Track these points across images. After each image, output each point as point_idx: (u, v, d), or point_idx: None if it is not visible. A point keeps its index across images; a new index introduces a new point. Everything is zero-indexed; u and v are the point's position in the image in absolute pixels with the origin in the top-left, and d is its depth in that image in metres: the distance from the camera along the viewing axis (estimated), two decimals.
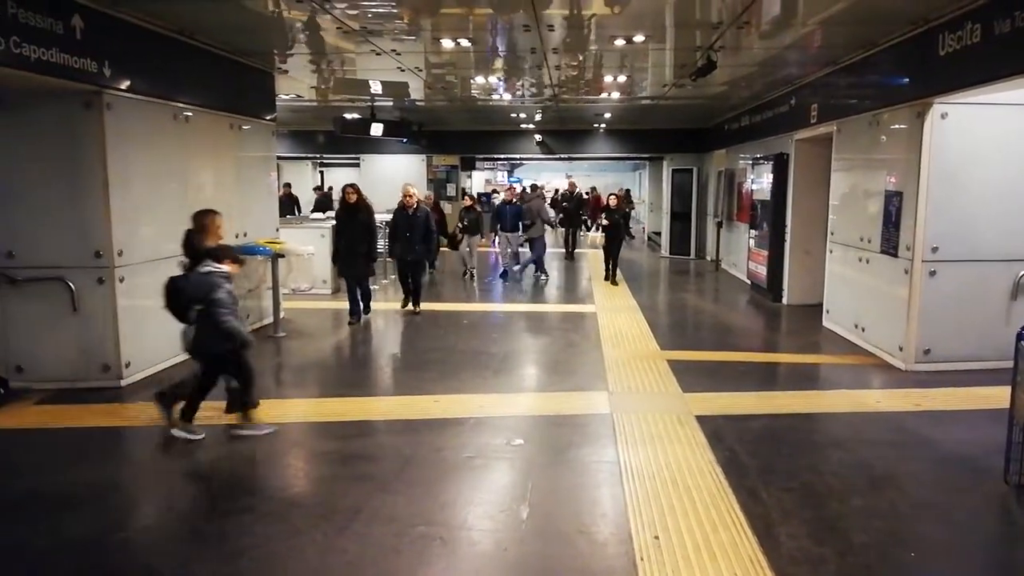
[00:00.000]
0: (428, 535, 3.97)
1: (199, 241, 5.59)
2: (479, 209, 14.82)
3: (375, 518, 4.17)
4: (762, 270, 11.86)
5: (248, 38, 8.19)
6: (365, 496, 4.46)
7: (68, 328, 6.43)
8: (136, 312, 6.75)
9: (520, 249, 14.19)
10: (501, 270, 14.19)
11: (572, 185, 19.07)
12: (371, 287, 10.10)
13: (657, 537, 3.92)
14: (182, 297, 5.24)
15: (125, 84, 6.59)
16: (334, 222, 10.39)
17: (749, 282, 12.84)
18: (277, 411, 6.15)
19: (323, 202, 18.81)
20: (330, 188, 21.25)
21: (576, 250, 18.02)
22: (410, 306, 10.29)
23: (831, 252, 9.48)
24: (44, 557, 3.81)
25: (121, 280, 6.57)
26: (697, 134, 17.78)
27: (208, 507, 4.41)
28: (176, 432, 5.38)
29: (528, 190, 19.03)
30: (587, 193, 29.85)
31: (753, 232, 12.55)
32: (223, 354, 5.35)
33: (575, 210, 18.22)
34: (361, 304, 9.72)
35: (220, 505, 4.41)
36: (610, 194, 14.81)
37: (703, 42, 8.34)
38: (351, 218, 9.38)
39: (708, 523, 4.07)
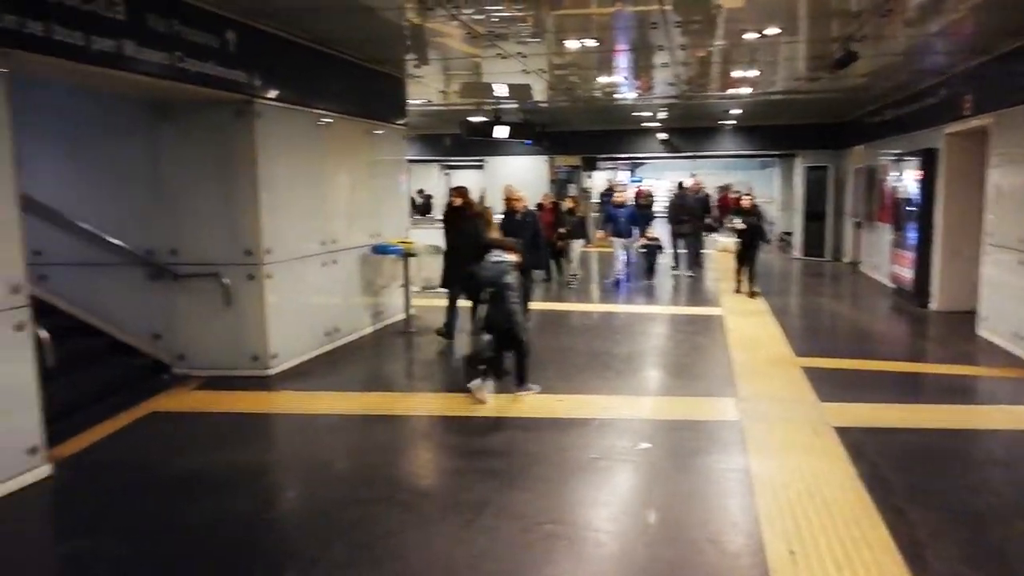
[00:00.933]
0: (555, 533, 4.00)
1: (485, 232, 7.04)
2: (580, 213, 13.99)
3: (502, 513, 4.24)
4: (907, 273, 11.08)
5: (381, 47, 8.54)
6: (492, 491, 4.54)
7: (222, 320, 6.95)
8: (282, 306, 7.21)
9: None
10: (614, 279, 13.02)
11: (697, 184, 17.66)
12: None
13: (793, 552, 3.75)
14: (478, 282, 6.20)
15: (272, 93, 7.06)
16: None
17: (892, 286, 12.03)
18: (407, 404, 6.39)
19: (424, 206, 19.29)
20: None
21: (701, 256, 15.87)
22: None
23: (987, 255, 8.72)
24: (201, 531, 4.13)
25: (269, 276, 7.03)
26: (833, 129, 16.83)
27: (347, 493, 4.63)
28: (481, 394, 6.16)
29: (676, 188, 17.46)
30: (721, 192, 28.89)
31: (896, 233, 11.75)
32: (510, 328, 6.12)
33: (701, 213, 16.32)
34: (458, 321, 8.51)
35: (356, 492, 4.63)
36: (743, 194, 13.45)
37: (841, 32, 7.89)
38: (453, 224, 8.62)
39: (849, 540, 3.86)
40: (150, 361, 6.87)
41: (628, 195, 14.91)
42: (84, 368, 6.19)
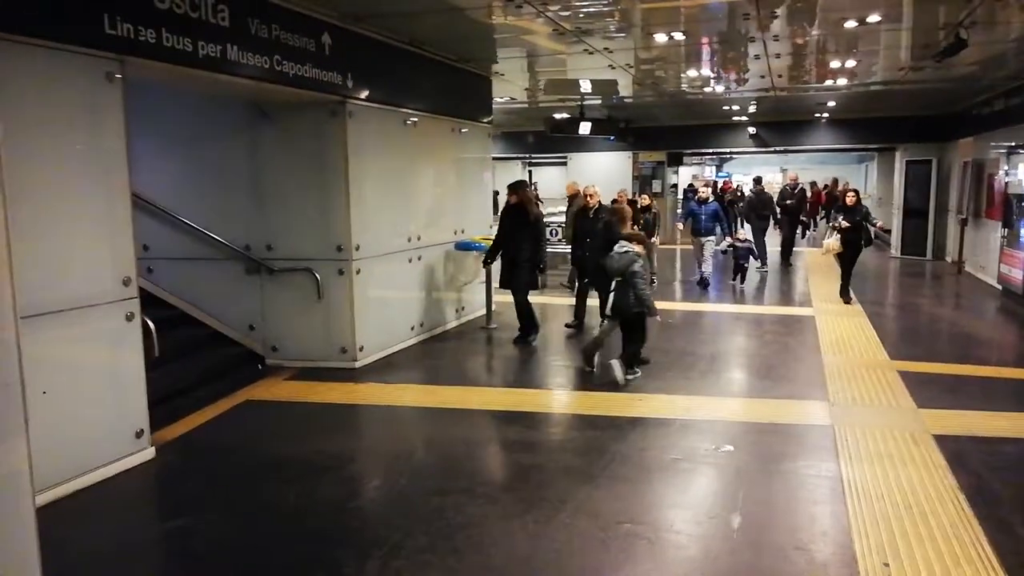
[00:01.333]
0: (634, 533, 3.96)
1: (619, 227, 7.38)
2: (655, 209, 12.96)
3: (581, 511, 4.23)
4: (1017, 274, 10.37)
5: (468, 45, 8.66)
6: (571, 488, 4.54)
7: (313, 314, 7.21)
8: (369, 301, 7.43)
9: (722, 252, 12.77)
10: (698, 276, 12.33)
11: (794, 179, 16.00)
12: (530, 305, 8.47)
13: (887, 564, 3.59)
14: (608, 272, 6.74)
15: (364, 93, 7.26)
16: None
17: (1000, 287, 11.29)
18: (488, 398, 6.46)
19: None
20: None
21: (793, 256, 15.32)
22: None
23: None
24: (294, 515, 4.32)
25: (358, 272, 7.24)
26: (937, 121, 15.90)
27: (429, 484, 4.73)
28: (617, 373, 6.58)
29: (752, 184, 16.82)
30: (825, 187, 27.73)
31: (1006, 231, 11.01)
32: (636, 314, 6.67)
33: (796, 209, 15.40)
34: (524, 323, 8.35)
35: (438, 483, 4.72)
36: (848, 189, 11.82)
37: (949, 19, 7.45)
38: (505, 223, 8.26)
39: (949, 555, 3.66)
40: (245, 351, 7.21)
41: (709, 191, 13.27)
42: (185, 357, 6.56)
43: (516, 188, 8.37)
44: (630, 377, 6.73)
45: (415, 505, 4.40)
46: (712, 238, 12.36)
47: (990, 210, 12.54)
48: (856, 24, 7.68)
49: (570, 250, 10.01)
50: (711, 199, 12.59)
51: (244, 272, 7.27)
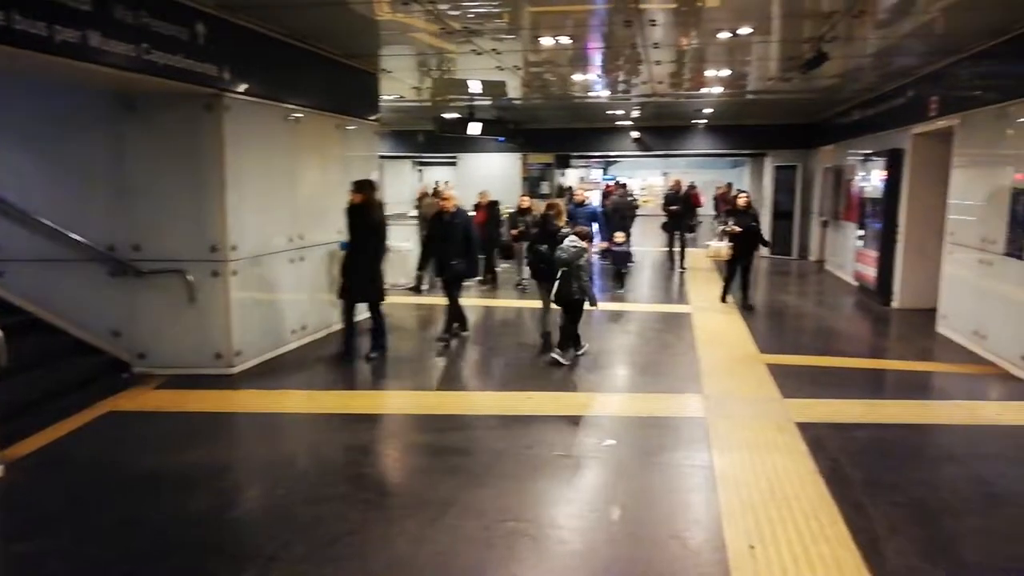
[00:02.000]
0: (518, 531, 4.00)
1: (556, 222, 7.90)
2: (535, 212, 11.56)
3: (466, 511, 4.23)
4: (871, 272, 11.26)
5: (354, 41, 8.47)
6: (457, 489, 4.53)
7: (185, 318, 6.85)
8: (247, 304, 7.13)
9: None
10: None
11: (677, 183, 15.45)
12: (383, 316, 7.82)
13: (753, 547, 3.80)
14: (557, 263, 7.28)
15: (242, 87, 6.96)
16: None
17: (856, 284, 12.23)
18: (373, 402, 6.36)
19: None
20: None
21: (685, 261, 14.65)
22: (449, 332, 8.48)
23: (949, 254, 8.89)
24: (163, 531, 4.07)
25: (234, 273, 6.94)
26: (802, 129, 17.06)
27: (309, 492, 4.59)
28: (556, 355, 7.43)
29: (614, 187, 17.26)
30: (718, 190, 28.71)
31: (861, 232, 11.94)
32: (578, 302, 7.30)
33: (682, 213, 14.80)
34: (365, 339, 7.70)
35: (319, 490, 4.59)
36: (738, 191, 11.49)
37: (813, 33, 7.98)
38: (353, 222, 7.45)
39: (808, 535, 3.91)
40: (109, 359, 6.73)
41: (590, 194, 13.29)
42: (40, 367, 6.04)
43: (361, 187, 7.42)
44: (579, 353, 7.63)
45: (294, 514, 4.26)
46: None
47: (847, 213, 13.56)
48: (729, 35, 8.09)
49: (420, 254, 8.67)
50: (588, 201, 12.11)
51: (108, 274, 6.80)
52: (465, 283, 8.75)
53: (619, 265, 12.16)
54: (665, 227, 14.99)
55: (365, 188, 7.42)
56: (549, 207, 8.32)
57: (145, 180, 6.80)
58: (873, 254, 11.17)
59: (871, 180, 11.62)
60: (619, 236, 12.06)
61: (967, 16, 7.10)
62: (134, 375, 6.78)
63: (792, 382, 6.74)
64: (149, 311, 6.89)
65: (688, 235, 15.08)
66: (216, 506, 4.37)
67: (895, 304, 10.60)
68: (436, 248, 8.21)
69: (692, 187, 26.91)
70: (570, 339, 7.56)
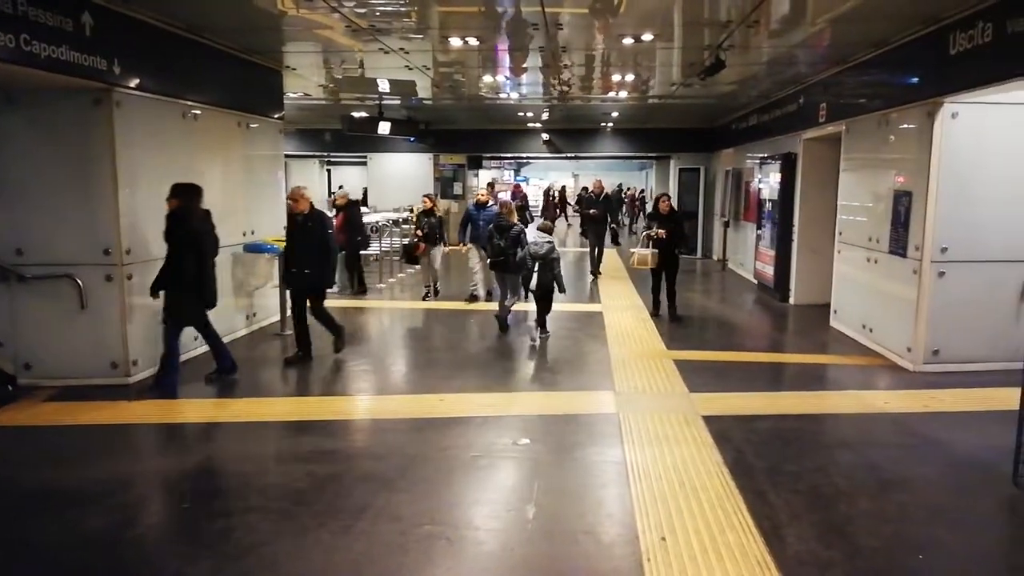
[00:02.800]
0: (434, 534, 3.97)
1: (509, 219, 8.91)
2: (439, 213, 11.57)
3: (381, 517, 4.17)
4: (769, 270, 11.82)
5: (256, 36, 8.21)
6: (371, 495, 4.46)
7: (77, 325, 6.45)
8: (144, 310, 6.77)
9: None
10: (470, 294, 11.05)
11: (599, 184, 14.71)
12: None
13: (664, 538, 3.91)
14: (533, 258, 8.41)
15: (134, 82, 6.61)
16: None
17: (756, 282, 12.79)
18: (283, 409, 6.16)
19: None
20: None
21: (602, 265, 14.13)
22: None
23: (839, 252, 9.44)
24: (55, 552, 3.82)
25: (129, 278, 6.58)
26: (705, 133, 17.73)
27: (216, 505, 4.41)
28: (534, 334, 8.69)
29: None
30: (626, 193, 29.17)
31: (760, 232, 12.51)
32: (549, 289, 8.48)
33: (603, 218, 13.94)
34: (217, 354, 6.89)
35: (226, 503, 4.42)
36: (661, 194, 10.48)
37: (712, 41, 8.31)
38: (169, 235, 6.37)
39: (715, 524, 4.06)
40: None
41: (487, 194, 11.65)
42: None
43: (176, 192, 6.38)
44: (544, 336, 8.67)
45: (200, 529, 4.08)
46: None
47: (747, 213, 14.18)
48: (633, 41, 8.31)
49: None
50: (491, 203, 10.96)
51: None
52: (329, 292, 7.95)
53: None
54: (584, 232, 14.28)
55: (181, 193, 6.36)
56: (502, 206, 9.41)
57: (28, 179, 6.38)
58: (771, 253, 11.73)
59: (768, 182, 12.19)
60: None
61: (851, 28, 7.57)
62: (19, 387, 6.33)
63: (698, 377, 6.99)
64: (35, 319, 6.46)
65: (606, 241, 14.21)
66: (114, 524, 4.12)
67: (792, 301, 11.16)
68: (293, 259, 7.47)
69: (620, 188, 26.77)
70: (543, 323, 8.73)
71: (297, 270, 7.39)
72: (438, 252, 11.25)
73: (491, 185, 16.70)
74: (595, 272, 13.88)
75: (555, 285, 8.49)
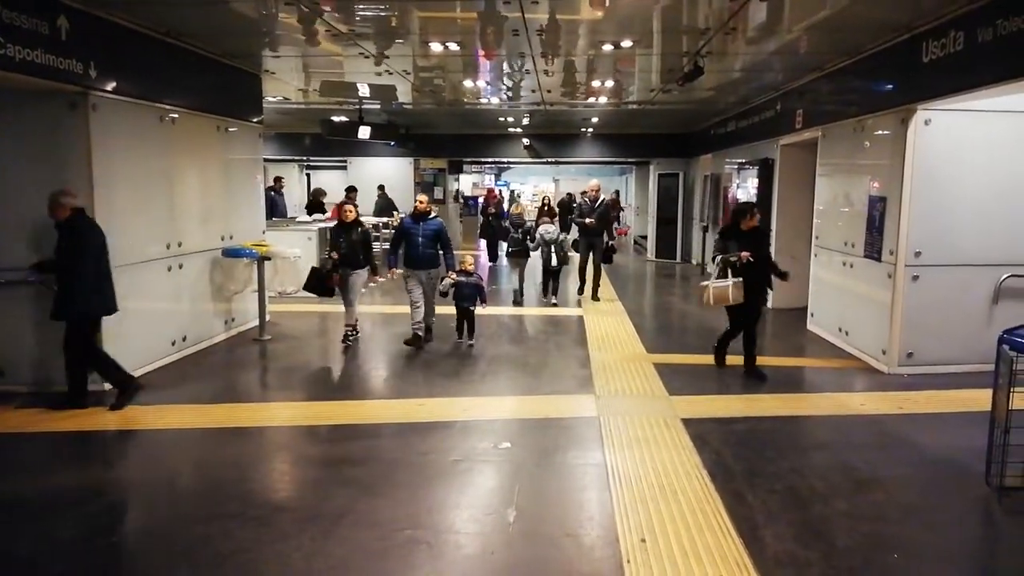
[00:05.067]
0: (414, 539, 3.96)
1: (523, 217, 11.42)
2: (365, 224, 8.76)
3: (361, 522, 4.15)
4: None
5: (235, 40, 8.16)
6: (351, 500, 4.44)
7: (50, 332, 6.32)
8: (121, 314, 6.68)
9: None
10: (411, 332, 8.29)
11: (596, 189, 11.68)
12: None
13: (644, 540, 3.93)
14: (550, 242, 11.00)
15: (111, 85, 6.55)
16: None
17: None
18: (262, 415, 6.12)
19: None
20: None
21: (598, 291, 11.70)
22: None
23: (815, 256, 9.56)
24: (28, 562, 3.76)
25: None
26: (683, 139, 17.87)
27: (192, 512, 4.37)
28: (553, 300, 11.28)
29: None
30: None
31: None
32: (561, 264, 11.19)
33: (599, 230, 11.39)
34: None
35: (204, 510, 4.37)
36: (744, 204, 8.26)
37: (690, 48, 8.39)
38: (59, 246, 5.96)
39: (695, 526, 4.09)
40: None
41: (427, 202, 8.66)
42: None
43: (53, 199, 5.89)
44: (555, 301, 11.18)
45: (177, 536, 4.04)
46: (433, 271, 8.43)
47: (725, 218, 14.28)
48: (612, 47, 8.37)
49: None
50: (433, 213, 8.63)
51: None
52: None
53: (466, 303, 8.49)
54: (575, 246, 11.75)
55: (50, 201, 5.89)
56: (515, 209, 12.05)
57: (2, 183, 6.28)
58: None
59: (746, 187, 12.31)
60: (467, 262, 8.58)
61: (826, 36, 7.68)
62: None
63: (677, 380, 7.04)
64: (8, 325, 6.37)
65: (602, 258, 11.61)
66: (89, 532, 4.07)
67: (769, 304, 11.24)
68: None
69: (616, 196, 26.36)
70: (556, 290, 11.45)
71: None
72: (358, 281, 8.42)
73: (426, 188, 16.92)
74: (582, 290, 11.87)
75: (565, 261, 11.21)
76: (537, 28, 7.53)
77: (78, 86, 6.18)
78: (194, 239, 8.01)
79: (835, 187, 9.04)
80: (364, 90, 11.99)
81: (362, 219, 8.86)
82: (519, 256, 11.35)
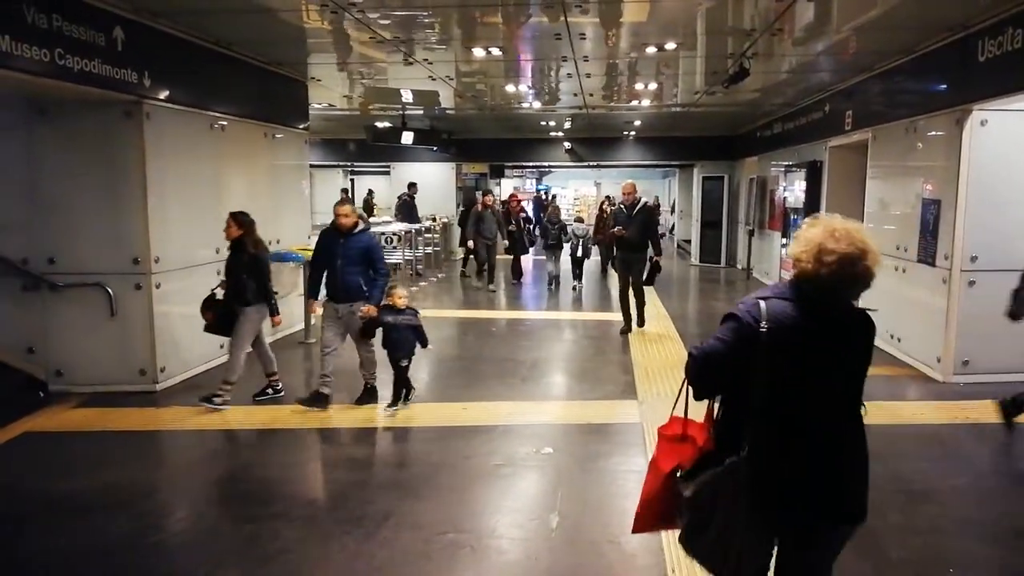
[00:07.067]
0: (457, 542, 3.97)
1: (558, 215, 13.70)
2: (252, 249, 6.34)
3: (404, 524, 4.18)
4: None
5: (282, 49, 8.33)
6: (394, 502, 4.47)
7: (106, 333, 6.56)
8: (171, 318, 6.88)
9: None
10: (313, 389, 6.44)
11: (631, 191, 9.31)
12: None
13: None
14: (580, 237, 13.47)
15: (164, 94, 6.74)
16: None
17: None
18: (306, 417, 6.20)
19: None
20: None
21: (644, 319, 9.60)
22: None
23: None
24: (83, 558, 3.87)
25: (158, 286, 6.69)
26: (728, 141, 17.63)
27: (240, 511, 4.45)
28: (576, 284, 13.54)
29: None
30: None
31: (785, 240, 12.39)
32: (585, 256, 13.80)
33: (638, 242, 9.15)
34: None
35: (252, 509, 4.45)
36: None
37: (735, 49, 8.28)
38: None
39: None
40: (24, 378, 6.39)
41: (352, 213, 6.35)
42: None
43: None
44: (580, 286, 13.37)
45: (225, 534, 4.13)
46: (355, 305, 6.16)
47: (772, 222, 14.06)
48: (656, 50, 8.30)
49: None
50: (361, 225, 6.31)
51: (20, 289, 6.46)
52: None
53: (399, 354, 6.22)
54: (612, 262, 10.08)
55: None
56: (551, 209, 14.22)
57: (60, 190, 6.51)
58: None
59: (793, 190, 12.08)
60: (397, 295, 6.21)
61: (876, 36, 7.49)
62: (51, 394, 6.45)
63: None
64: (67, 326, 6.57)
65: (644, 278, 9.36)
66: (140, 529, 4.18)
67: None
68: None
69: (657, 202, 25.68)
70: (580, 276, 13.61)
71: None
72: (245, 323, 6.27)
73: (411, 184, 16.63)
74: (627, 328, 9.37)
75: (587, 251, 13.77)
76: (580, 32, 7.52)
77: (133, 95, 6.37)
78: None
79: (886, 190, 8.81)
80: (407, 96, 12.12)
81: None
82: (555, 248, 14.03)
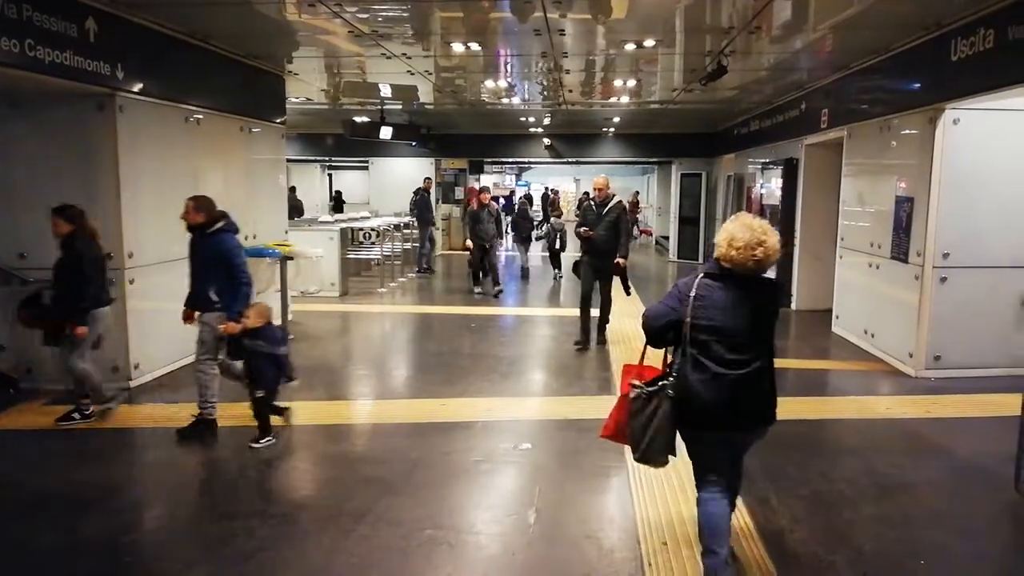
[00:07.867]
0: (435, 538, 3.96)
1: (557, 213, 14.17)
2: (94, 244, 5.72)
3: (382, 521, 4.16)
4: (771, 275, 11.79)
5: (259, 42, 8.23)
6: (372, 499, 4.45)
7: None
8: (145, 314, 6.78)
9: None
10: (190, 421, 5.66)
11: (603, 186, 8.49)
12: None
13: (665, 543, 3.90)
14: (555, 229, 14.58)
15: (138, 87, 6.63)
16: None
17: None
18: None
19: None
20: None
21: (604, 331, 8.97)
22: None
23: (841, 257, 9.43)
24: (53, 557, 3.81)
25: (131, 282, 6.60)
26: (706, 138, 17.73)
27: (215, 509, 4.41)
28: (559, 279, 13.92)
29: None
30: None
31: None
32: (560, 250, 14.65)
33: (606, 246, 8.29)
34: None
35: (227, 507, 4.41)
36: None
37: (714, 47, 8.32)
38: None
39: None
40: None
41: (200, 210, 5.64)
42: None
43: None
44: (560, 275, 14.15)
45: (199, 533, 4.08)
46: (204, 316, 5.53)
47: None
48: (635, 47, 8.32)
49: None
50: (220, 224, 5.59)
51: None
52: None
53: (263, 387, 5.46)
54: (575, 267, 9.20)
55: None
56: (553, 206, 15.11)
57: (31, 184, 6.40)
58: None
59: (770, 187, 12.19)
60: (251, 315, 5.39)
61: (853, 34, 7.57)
62: (22, 391, 6.33)
63: None
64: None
65: (615, 279, 8.67)
66: (113, 529, 4.11)
67: (794, 306, 11.14)
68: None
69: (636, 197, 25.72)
70: (557, 265, 14.61)
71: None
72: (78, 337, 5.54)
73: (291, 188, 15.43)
74: (584, 344, 8.52)
75: (563, 245, 14.68)
76: (559, 28, 7.51)
77: (106, 87, 6.26)
78: None
79: (861, 187, 8.92)
80: (386, 90, 12.04)
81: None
82: (525, 242, 15.31)
